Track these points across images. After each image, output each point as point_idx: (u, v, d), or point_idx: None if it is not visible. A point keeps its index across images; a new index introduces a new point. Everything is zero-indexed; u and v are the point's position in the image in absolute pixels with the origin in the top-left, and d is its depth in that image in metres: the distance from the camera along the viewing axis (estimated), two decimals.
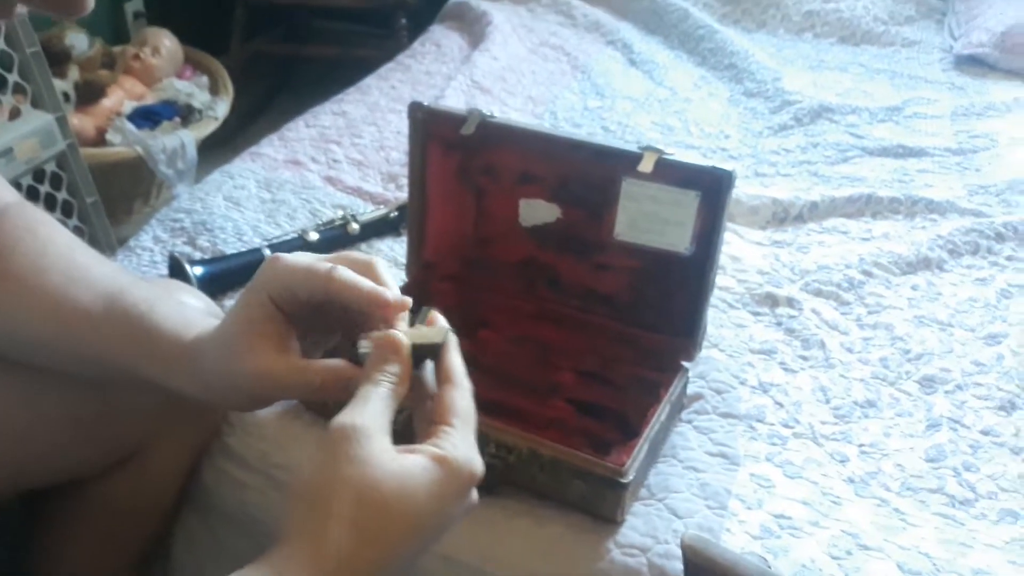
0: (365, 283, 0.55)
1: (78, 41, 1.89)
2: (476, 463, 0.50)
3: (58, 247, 0.66)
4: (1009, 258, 1.17)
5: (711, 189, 0.83)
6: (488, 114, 0.90)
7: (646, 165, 0.84)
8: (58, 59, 1.81)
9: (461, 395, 0.53)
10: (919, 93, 1.66)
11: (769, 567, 0.69)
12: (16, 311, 0.63)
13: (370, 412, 0.49)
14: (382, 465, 0.47)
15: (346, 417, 0.48)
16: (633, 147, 0.86)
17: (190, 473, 0.87)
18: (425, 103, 0.93)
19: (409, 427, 0.54)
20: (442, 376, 0.54)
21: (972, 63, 1.80)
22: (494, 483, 0.76)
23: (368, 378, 0.51)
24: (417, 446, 0.50)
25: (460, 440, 0.50)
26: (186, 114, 1.97)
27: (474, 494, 0.51)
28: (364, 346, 0.53)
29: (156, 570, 0.92)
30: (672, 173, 0.84)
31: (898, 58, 1.85)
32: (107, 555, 0.84)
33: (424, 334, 0.55)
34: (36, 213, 0.68)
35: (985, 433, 0.89)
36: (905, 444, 0.87)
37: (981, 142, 1.47)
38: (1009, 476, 0.84)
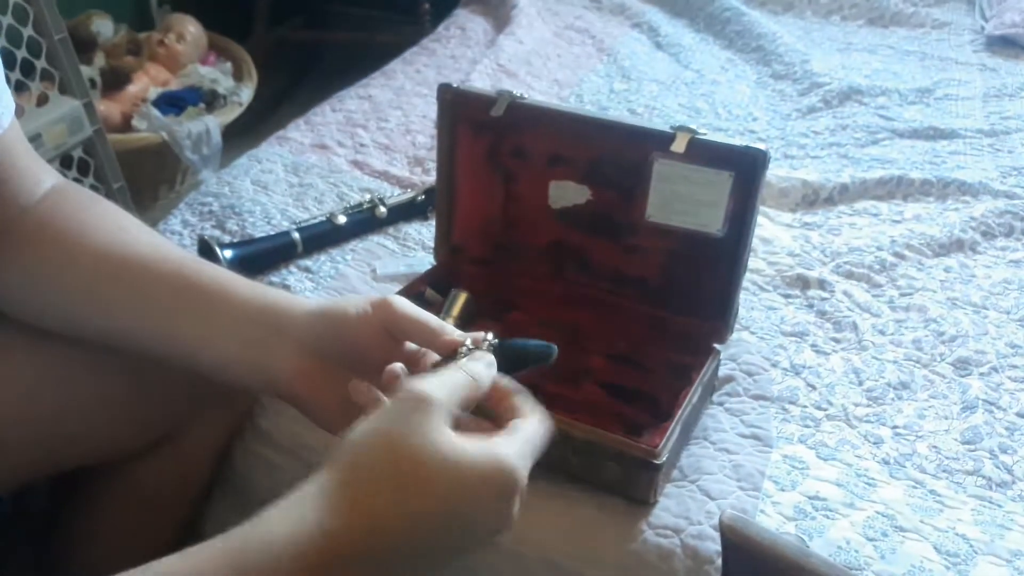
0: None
1: (104, 27, 1.90)
2: (523, 475, 0.49)
3: (123, 219, 0.69)
4: None
5: (745, 169, 0.82)
6: (518, 95, 0.90)
7: (679, 145, 0.84)
8: (84, 46, 1.82)
9: (535, 413, 0.53)
10: (950, 75, 1.64)
11: (807, 547, 0.68)
12: (98, 282, 0.65)
13: (444, 389, 0.49)
14: (437, 441, 0.47)
15: (421, 384, 0.49)
16: (665, 127, 0.85)
17: (223, 455, 0.87)
18: (454, 84, 0.92)
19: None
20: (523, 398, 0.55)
21: (1004, 44, 1.77)
22: None
23: (456, 364, 0.53)
24: (479, 436, 0.49)
25: (518, 448, 0.50)
26: (210, 100, 1.98)
27: (514, 507, 0.49)
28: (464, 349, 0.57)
29: None
30: (705, 153, 0.84)
31: (928, 40, 1.82)
32: (138, 539, 0.84)
33: (527, 343, 0.58)
34: (85, 190, 0.70)
35: (1022, 416, 0.88)
36: (940, 426, 0.86)
37: (1014, 123, 1.45)
38: None
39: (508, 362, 0.57)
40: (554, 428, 0.53)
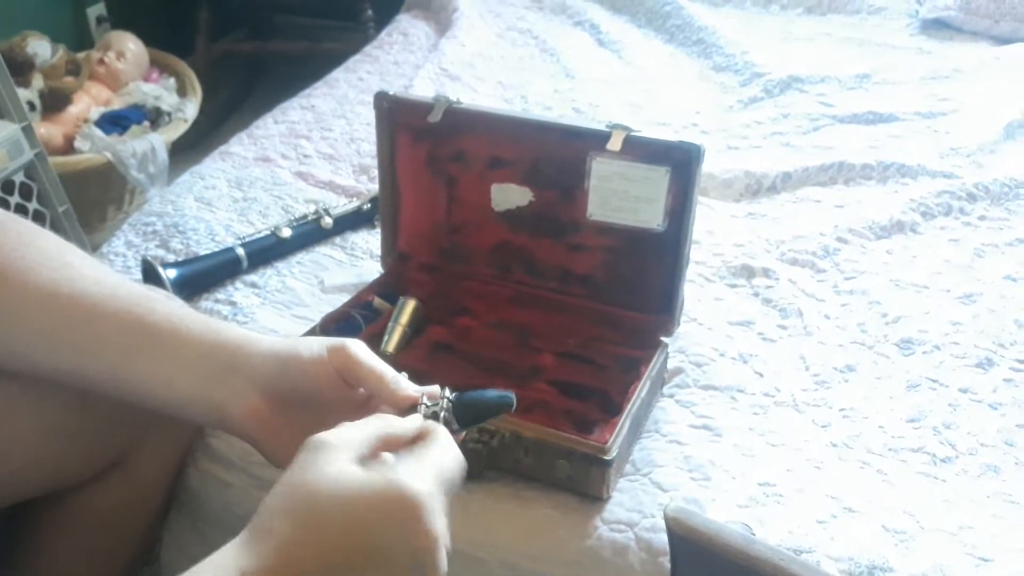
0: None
1: (41, 49, 1.87)
2: (421, 491, 0.49)
3: (68, 253, 0.67)
4: (981, 218, 1.18)
5: (681, 164, 0.83)
6: (455, 100, 0.90)
7: (615, 143, 0.85)
8: (21, 68, 1.79)
9: (444, 447, 0.54)
10: (887, 59, 1.67)
11: (753, 535, 0.69)
12: (46, 323, 0.63)
13: (345, 434, 0.51)
14: (329, 474, 0.49)
15: (322, 433, 0.51)
16: (601, 126, 0.86)
17: (176, 477, 0.86)
18: (391, 92, 0.92)
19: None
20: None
21: (938, 26, 1.81)
22: (479, 469, 0.76)
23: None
24: (376, 464, 0.51)
25: (411, 468, 0.51)
26: (155, 118, 1.95)
27: (426, 525, 0.49)
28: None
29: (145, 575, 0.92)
30: (641, 150, 0.85)
31: (865, 26, 1.85)
32: (94, 565, 0.83)
33: (484, 395, 0.57)
34: (26, 222, 0.68)
35: (963, 391, 0.90)
36: (885, 406, 0.88)
37: (950, 105, 1.48)
38: (988, 432, 0.85)
39: (467, 415, 0.57)
40: (462, 460, 0.54)
